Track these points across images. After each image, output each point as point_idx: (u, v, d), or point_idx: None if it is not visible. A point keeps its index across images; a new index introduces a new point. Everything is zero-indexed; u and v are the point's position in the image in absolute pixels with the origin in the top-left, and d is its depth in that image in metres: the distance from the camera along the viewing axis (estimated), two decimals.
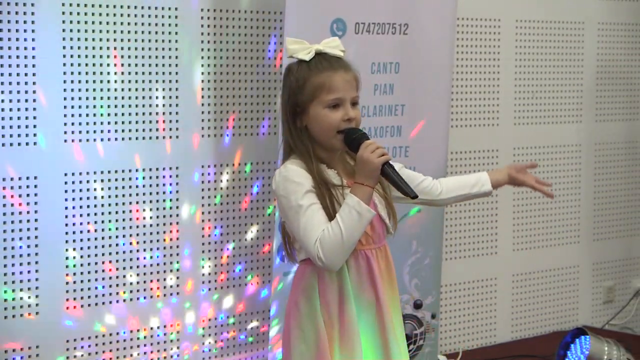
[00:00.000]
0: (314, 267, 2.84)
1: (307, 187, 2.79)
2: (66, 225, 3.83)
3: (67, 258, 3.84)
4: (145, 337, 4.05)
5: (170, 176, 4.06)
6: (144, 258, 4.02)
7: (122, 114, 3.93)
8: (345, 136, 2.83)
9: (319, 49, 2.88)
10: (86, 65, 3.84)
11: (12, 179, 3.72)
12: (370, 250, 2.88)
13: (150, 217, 4.02)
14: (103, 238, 3.91)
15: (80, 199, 3.85)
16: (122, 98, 3.93)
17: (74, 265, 3.86)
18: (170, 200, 4.06)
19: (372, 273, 2.87)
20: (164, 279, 4.07)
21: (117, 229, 3.94)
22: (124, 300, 3.98)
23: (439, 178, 3.17)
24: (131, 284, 3.99)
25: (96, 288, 3.91)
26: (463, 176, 3.20)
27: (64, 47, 3.79)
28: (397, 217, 3.01)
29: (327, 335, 2.82)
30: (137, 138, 3.97)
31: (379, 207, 2.92)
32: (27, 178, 3.75)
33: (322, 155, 2.87)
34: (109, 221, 3.92)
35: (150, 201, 4.02)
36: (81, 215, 3.86)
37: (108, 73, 3.89)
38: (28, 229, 3.75)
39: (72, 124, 3.82)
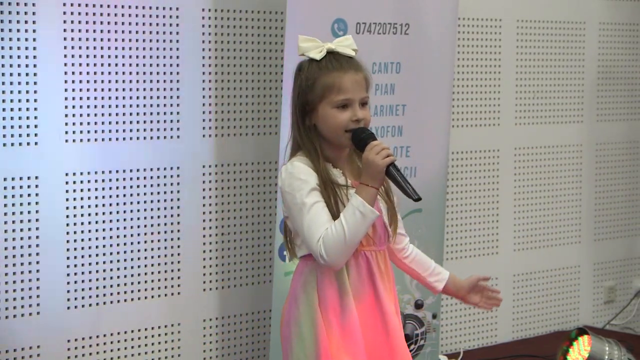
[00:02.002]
0: (313, 264, 2.84)
1: (312, 184, 2.80)
2: (67, 225, 3.83)
3: (68, 258, 3.84)
4: (146, 337, 4.05)
5: (172, 176, 4.06)
6: (145, 258, 4.02)
7: (123, 114, 3.93)
8: (352, 135, 2.83)
9: (330, 47, 2.88)
10: (87, 65, 3.84)
11: (13, 179, 3.72)
12: (371, 252, 2.88)
13: (152, 217, 4.02)
14: (104, 238, 3.91)
15: (82, 199, 3.85)
16: (123, 98, 3.93)
17: (75, 265, 3.86)
18: (172, 200, 4.06)
19: (371, 274, 2.87)
20: (165, 279, 4.07)
21: (117, 229, 3.94)
22: (125, 300, 3.98)
23: (415, 248, 3.13)
24: (132, 283, 3.99)
25: (97, 288, 3.91)
26: (432, 261, 3.15)
27: (64, 47, 3.79)
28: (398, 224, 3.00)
29: (326, 332, 2.81)
30: (138, 138, 3.97)
31: (383, 212, 2.91)
32: (28, 178, 3.75)
33: (329, 154, 2.88)
34: (110, 221, 3.92)
35: (152, 201, 4.01)
36: (82, 215, 3.86)
37: (109, 73, 3.89)
38: (29, 229, 3.75)
39: (73, 124, 3.82)
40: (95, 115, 3.87)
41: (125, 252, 3.97)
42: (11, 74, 3.69)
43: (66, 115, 3.81)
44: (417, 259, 3.12)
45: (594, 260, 5.44)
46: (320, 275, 2.84)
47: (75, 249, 3.85)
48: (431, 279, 3.12)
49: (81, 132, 3.84)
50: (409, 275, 3.18)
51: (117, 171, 3.93)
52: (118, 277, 3.96)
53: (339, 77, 2.84)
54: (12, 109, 3.70)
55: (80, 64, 3.82)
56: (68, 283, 3.85)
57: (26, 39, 3.71)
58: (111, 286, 3.94)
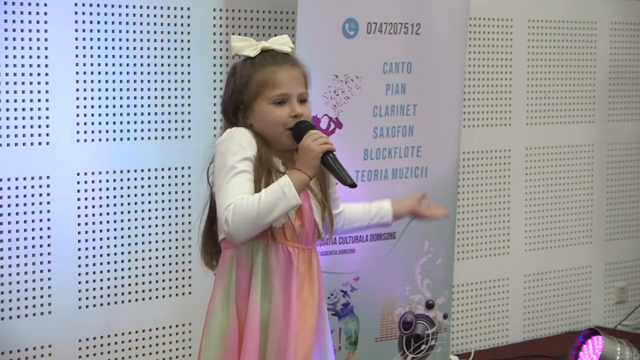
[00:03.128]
0: (234, 251, 2.75)
1: (248, 154, 2.71)
2: (79, 224, 3.84)
3: (79, 258, 3.85)
4: (157, 337, 4.05)
5: (183, 176, 4.06)
6: (156, 258, 4.02)
7: (135, 114, 3.94)
8: (293, 129, 2.76)
9: (265, 45, 2.82)
10: (99, 65, 3.85)
11: (24, 178, 3.73)
12: (294, 248, 2.77)
13: (163, 217, 4.02)
14: (115, 238, 3.92)
15: (93, 198, 3.86)
16: (135, 98, 3.93)
17: (87, 265, 3.87)
18: (183, 200, 4.07)
19: (289, 271, 2.76)
20: (177, 279, 4.07)
21: (129, 228, 3.95)
22: (137, 300, 3.99)
23: (345, 204, 3.06)
24: (144, 283, 4.00)
25: (109, 287, 3.92)
26: (365, 205, 3.08)
27: (76, 47, 3.80)
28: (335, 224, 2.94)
29: (238, 325, 2.74)
30: (149, 138, 3.98)
31: (315, 211, 2.83)
32: (40, 178, 3.76)
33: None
34: (121, 221, 3.93)
35: (163, 201, 4.02)
36: (94, 215, 3.86)
37: (120, 73, 3.89)
38: (41, 229, 3.76)
39: (85, 123, 3.83)
40: (107, 115, 3.87)
41: (136, 251, 3.97)
42: (23, 74, 3.70)
43: (77, 115, 3.81)
44: (351, 216, 3.04)
45: (605, 261, 5.43)
46: (238, 262, 2.75)
47: (86, 248, 3.86)
48: (375, 221, 3.06)
49: (92, 131, 3.85)
50: (362, 231, 3.16)
51: (128, 171, 3.94)
52: (129, 276, 3.97)
53: (273, 72, 2.77)
54: (23, 109, 3.71)
55: (91, 64, 3.83)
56: (79, 282, 3.86)
57: (38, 39, 3.72)
58: (122, 286, 3.95)
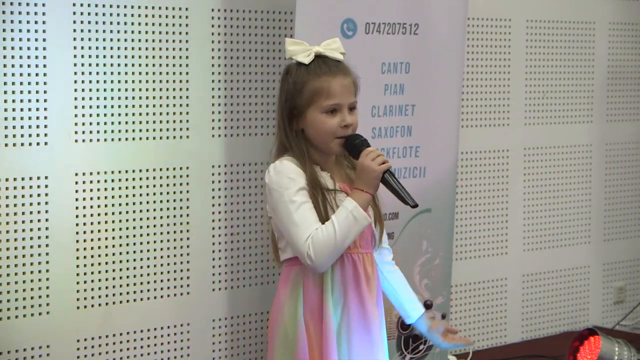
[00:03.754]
0: (299, 268, 2.82)
1: (301, 184, 2.78)
2: (77, 225, 3.84)
3: (77, 258, 3.85)
4: (156, 337, 4.05)
5: (181, 176, 4.06)
6: (155, 258, 4.02)
7: (133, 114, 3.93)
8: (346, 142, 2.83)
9: (319, 51, 2.86)
10: (97, 65, 3.84)
11: (22, 178, 3.72)
12: (358, 254, 2.86)
13: (161, 217, 4.02)
14: (114, 238, 3.92)
15: (91, 198, 3.86)
16: (133, 98, 3.93)
17: (85, 265, 3.86)
18: (181, 200, 4.07)
19: (357, 277, 2.84)
20: (175, 279, 4.07)
21: (127, 228, 3.94)
22: (135, 300, 3.99)
23: (397, 268, 3.09)
24: (142, 283, 4.00)
25: (107, 288, 3.92)
26: (410, 290, 3.09)
27: (74, 47, 3.80)
28: (385, 229, 3.00)
29: (308, 340, 2.80)
30: (147, 138, 3.98)
31: (371, 216, 2.89)
32: (38, 178, 3.75)
33: (316, 158, 2.87)
34: (120, 221, 3.92)
35: (161, 201, 4.02)
36: (92, 215, 3.86)
37: (119, 73, 3.89)
38: (39, 229, 3.76)
39: (83, 124, 3.83)
40: (105, 115, 3.87)
41: (134, 252, 3.97)
42: (21, 74, 3.70)
43: (76, 115, 3.81)
44: (401, 280, 3.08)
45: (603, 261, 5.43)
46: (305, 280, 2.82)
47: (84, 248, 3.86)
48: (408, 305, 3.06)
49: (91, 132, 3.84)
50: (385, 295, 3.08)
51: (126, 171, 3.93)
52: (127, 277, 3.96)
53: (327, 81, 2.82)
54: (22, 109, 3.71)
55: (89, 64, 3.83)
56: (78, 283, 3.86)
57: (36, 39, 3.71)
58: (120, 286, 3.95)
